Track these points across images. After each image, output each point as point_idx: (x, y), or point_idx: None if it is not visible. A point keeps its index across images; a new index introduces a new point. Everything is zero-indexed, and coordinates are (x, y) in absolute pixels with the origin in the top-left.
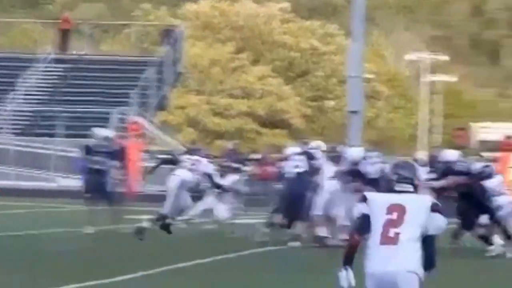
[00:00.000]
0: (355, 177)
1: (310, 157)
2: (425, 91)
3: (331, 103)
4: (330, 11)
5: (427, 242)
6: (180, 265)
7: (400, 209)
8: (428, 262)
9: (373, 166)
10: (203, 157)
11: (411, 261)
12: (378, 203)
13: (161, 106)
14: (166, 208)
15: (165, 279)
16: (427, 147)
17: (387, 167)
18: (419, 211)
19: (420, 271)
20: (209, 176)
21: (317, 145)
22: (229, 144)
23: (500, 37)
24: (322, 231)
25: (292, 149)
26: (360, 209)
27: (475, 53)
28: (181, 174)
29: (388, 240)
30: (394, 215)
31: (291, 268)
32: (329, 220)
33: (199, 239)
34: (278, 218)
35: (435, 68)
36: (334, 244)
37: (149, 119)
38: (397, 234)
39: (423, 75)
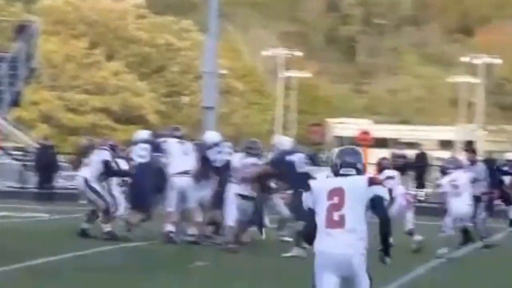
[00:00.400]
0: (204, 163)
1: (155, 147)
2: (280, 87)
3: (187, 99)
4: (186, 7)
5: (377, 209)
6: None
7: (339, 193)
8: (383, 228)
9: (220, 155)
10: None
11: (356, 243)
12: (319, 190)
13: (15, 103)
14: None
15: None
16: None
17: (236, 159)
18: (357, 189)
19: (363, 250)
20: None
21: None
22: (83, 140)
23: (355, 33)
24: (170, 227)
25: (141, 133)
26: (307, 201)
27: (331, 49)
28: (82, 174)
29: (333, 223)
30: (335, 199)
31: (137, 266)
32: (182, 215)
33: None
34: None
35: (291, 64)
36: (182, 240)
37: (2, 115)
38: (341, 216)
39: (278, 71)
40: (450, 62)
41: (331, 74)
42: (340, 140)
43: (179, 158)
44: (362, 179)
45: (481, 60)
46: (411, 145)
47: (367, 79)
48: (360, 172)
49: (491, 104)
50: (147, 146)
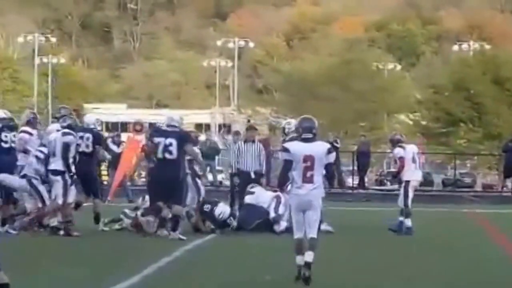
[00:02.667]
0: None
1: None
2: (35, 73)
3: None
4: None
5: (327, 168)
6: None
7: (311, 158)
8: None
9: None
10: None
11: (319, 191)
12: (296, 154)
13: None
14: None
15: None
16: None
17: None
18: (322, 156)
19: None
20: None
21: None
22: None
23: (111, 18)
24: None
25: None
26: (284, 156)
27: (86, 34)
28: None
29: (307, 179)
30: (308, 163)
31: None
32: None
33: None
34: None
35: (46, 49)
36: None
37: None
38: (311, 175)
39: (34, 57)
40: (205, 46)
41: (87, 59)
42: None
43: None
44: (326, 148)
45: (234, 43)
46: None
47: (122, 64)
48: (315, 135)
49: (246, 86)
50: None
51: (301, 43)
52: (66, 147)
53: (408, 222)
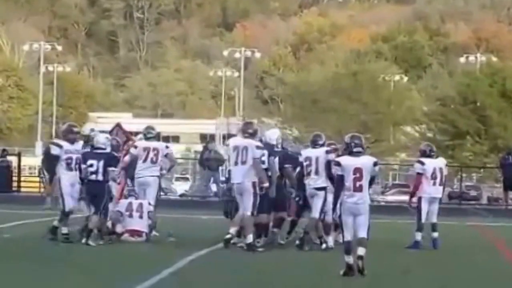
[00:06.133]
0: None
1: None
2: (41, 81)
3: None
4: None
5: (371, 179)
6: None
7: (360, 170)
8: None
9: None
10: None
11: (366, 197)
12: (347, 167)
13: None
14: None
15: None
16: (45, 137)
17: None
18: (369, 169)
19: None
20: None
21: None
22: None
23: (116, 27)
24: None
25: None
26: (337, 171)
27: (92, 43)
28: None
29: (356, 189)
30: (358, 174)
31: None
32: None
33: None
34: None
35: (51, 58)
36: None
37: None
38: (360, 185)
39: (39, 65)
40: (211, 56)
41: (93, 68)
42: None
43: None
44: (372, 161)
45: (241, 54)
46: (173, 138)
47: (128, 73)
48: (364, 149)
49: (252, 97)
50: None
51: (307, 54)
52: None
53: (418, 237)
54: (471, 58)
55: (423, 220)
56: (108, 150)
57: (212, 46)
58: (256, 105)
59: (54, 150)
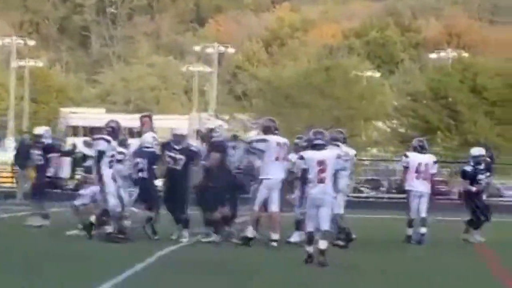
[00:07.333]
0: None
1: None
2: (13, 77)
3: None
4: None
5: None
6: None
7: (323, 163)
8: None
9: None
10: None
11: (330, 190)
12: (311, 160)
13: None
14: None
15: None
16: (15, 132)
17: None
18: (332, 161)
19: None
20: None
21: None
22: None
23: (89, 22)
24: None
25: None
26: (301, 164)
27: (64, 38)
28: None
29: (320, 180)
30: (322, 166)
31: None
32: None
33: None
34: None
35: (23, 53)
36: None
37: None
38: (324, 177)
39: (11, 60)
40: (183, 51)
41: (65, 63)
42: (74, 129)
43: None
44: (335, 153)
45: (214, 49)
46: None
47: (100, 68)
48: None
49: (225, 92)
50: None
51: (280, 49)
52: None
53: (409, 232)
54: (443, 54)
55: (412, 216)
56: (153, 149)
57: (185, 42)
58: (229, 101)
59: (102, 145)
